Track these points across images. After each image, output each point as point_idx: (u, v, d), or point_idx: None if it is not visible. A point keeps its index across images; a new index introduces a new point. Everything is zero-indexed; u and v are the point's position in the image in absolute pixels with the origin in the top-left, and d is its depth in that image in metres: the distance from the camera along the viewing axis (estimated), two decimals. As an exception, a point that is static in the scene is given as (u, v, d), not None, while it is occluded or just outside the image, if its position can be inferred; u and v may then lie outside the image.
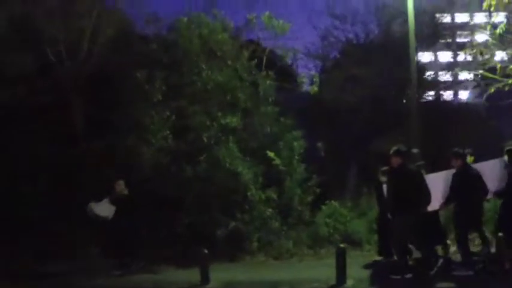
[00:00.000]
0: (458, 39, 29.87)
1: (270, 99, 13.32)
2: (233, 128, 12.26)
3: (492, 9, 10.30)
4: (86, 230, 11.74)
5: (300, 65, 19.30)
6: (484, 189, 9.16)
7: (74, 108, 13.15)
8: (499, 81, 11.08)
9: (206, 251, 9.91)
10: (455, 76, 28.05)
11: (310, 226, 12.70)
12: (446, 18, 30.50)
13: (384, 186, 9.86)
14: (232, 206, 12.30)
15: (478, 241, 10.00)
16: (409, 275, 8.84)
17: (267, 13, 13.75)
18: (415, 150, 11.93)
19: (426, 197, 9.01)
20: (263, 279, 9.95)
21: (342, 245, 9.39)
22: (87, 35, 13.54)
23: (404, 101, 18.72)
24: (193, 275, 10.23)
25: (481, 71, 12.08)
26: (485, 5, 10.42)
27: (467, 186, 8.96)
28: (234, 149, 12.02)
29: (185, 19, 13.13)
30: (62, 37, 13.32)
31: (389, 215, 9.41)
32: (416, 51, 19.05)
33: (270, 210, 12.49)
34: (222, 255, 11.77)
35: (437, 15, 23.56)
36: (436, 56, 29.19)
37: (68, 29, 13.39)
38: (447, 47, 27.04)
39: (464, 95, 29.81)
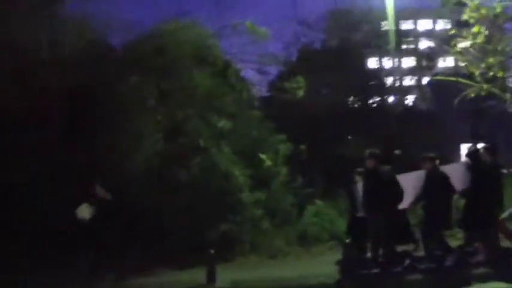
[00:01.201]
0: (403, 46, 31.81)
1: (255, 104, 13.73)
2: (225, 132, 12.54)
3: (472, 21, 11.29)
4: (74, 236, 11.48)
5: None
6: (452, 189, 9.84)
7: (59, 113, 12.81)
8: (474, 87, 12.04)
9: (212, 251, 10.14)
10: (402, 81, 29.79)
11: (297, 225, 13.17)
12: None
13: (358, 186, 10.52)
14: (224, 208, 12.52)
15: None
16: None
17: (248, 21, 14.19)
18: (397, 152, 12.82)
19: (399, 195, 9.72)
20: (269, 277, 10.30)
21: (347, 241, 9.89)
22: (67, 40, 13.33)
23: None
24: (194, 275, 10.49)
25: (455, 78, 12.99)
26: (466, 16, 11.45)
27: (436, 187, 9.65)
28: (228, 152, 12.30)
29: (172, 25, 13.26)
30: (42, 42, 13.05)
31: (361, 214, 10.15)
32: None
33: (260, 211, 12.84)
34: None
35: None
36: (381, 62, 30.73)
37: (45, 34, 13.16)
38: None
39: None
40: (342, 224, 12.98)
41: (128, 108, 12.19)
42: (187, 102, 12.51)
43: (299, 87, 14.54)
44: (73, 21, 14.63)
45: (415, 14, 29.61)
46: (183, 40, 13.00)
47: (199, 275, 10.29)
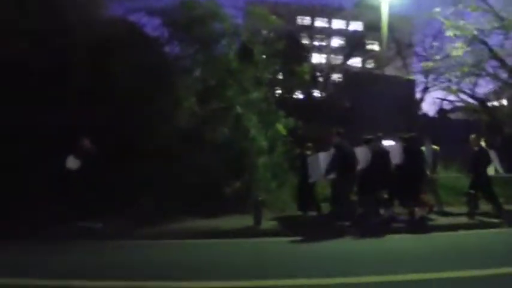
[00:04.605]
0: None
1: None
2: (253, 102, 14.38)
3: (453, 37, 14.79)
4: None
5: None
6: (390, 162, 12.78)
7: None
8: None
9: (260, 198, 12.12)
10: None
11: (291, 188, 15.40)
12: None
13: (309, 158, 13.32)
14: (240, 168, 14.36)
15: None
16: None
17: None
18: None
19: (356, 163, 12.60)
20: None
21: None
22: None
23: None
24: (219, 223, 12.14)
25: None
26: (450, 33, 14.89)
27: (379, 158, 12.64)
28: (255, 119, 14.18)
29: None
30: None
31: (311, 180, 13.06)
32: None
33: (268, 173, 14.92)
34: (229, 210, 13.67)
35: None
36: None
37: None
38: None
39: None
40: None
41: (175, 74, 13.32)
42: (224, 72, 14.05)
43: (306, 72, 16.83)
44: None
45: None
46: (215, 14, 14.41)
47: (224, 222, 12.06)
